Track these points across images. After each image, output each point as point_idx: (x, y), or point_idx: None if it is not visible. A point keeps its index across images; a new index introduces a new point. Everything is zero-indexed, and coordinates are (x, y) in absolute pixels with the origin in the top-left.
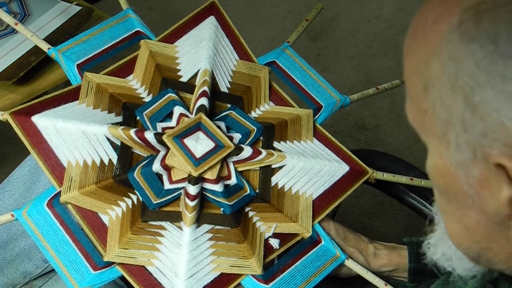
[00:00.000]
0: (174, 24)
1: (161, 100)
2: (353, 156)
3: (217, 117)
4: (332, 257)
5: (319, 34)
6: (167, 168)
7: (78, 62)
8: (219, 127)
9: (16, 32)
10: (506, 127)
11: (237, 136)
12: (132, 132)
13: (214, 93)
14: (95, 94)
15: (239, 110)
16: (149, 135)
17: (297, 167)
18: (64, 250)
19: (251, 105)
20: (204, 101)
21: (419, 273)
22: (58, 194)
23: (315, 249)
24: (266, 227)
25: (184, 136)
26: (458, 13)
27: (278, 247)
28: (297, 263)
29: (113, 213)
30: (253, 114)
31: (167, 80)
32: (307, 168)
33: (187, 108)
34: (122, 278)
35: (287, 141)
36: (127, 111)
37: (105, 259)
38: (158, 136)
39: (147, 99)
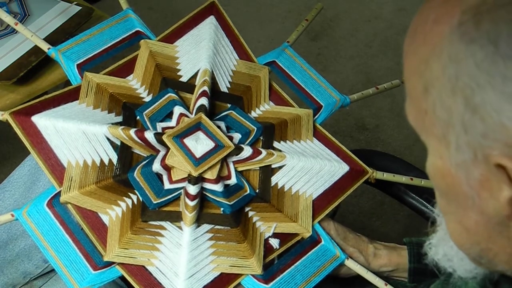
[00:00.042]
0: (174, 24)
1: (161, 100)
2: (353, 156)
3: (217, 117)
4: (332, 257)
5: (319, 34)
6: (167, 168)
7: (78, 62)
8: (219, 127)
9: (16, 32)
10: (507, 128)
11: (237, 136)
12: (132, 132)
13: (214, 93)
14: (95, 94)
15: (239, 110)
16: (149, 135)
17: (297, 167)
18: (64, 250)
19: (251, 105)
20: (204, 101)
21: (419, 273)
22: (58, 194)
23: (315, 249)
24: (266, 227)
25: (184, 136)
26: (458, 14)
27: (278, 247)
28: (297, 263)
29: (113, 213)
30: (253, 114)
31: (167, 80)
32: (307, 168)
33: (187, 108)
34: (122, 278)
35: (287, 141)
36: (127, 111)
37: (105, 259)
38: (158, 136)
39: (147, 99)
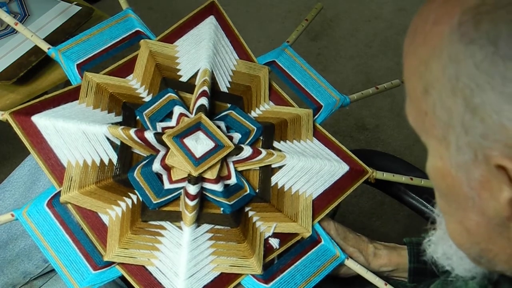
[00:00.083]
0: (174, 24)
1: (161, 100)
2: (353, 155)
3: (217, 117)
4: (332, 257)
5: (319, 34)
6: (167, 168)
7: (78, 62)
8: (219, 127)
9: (16, 32)
10: (507, 129)
11: (237, 136)
12: (132, 132)
13: (214, 93)
14: (95, 94)
15: (239, 110)
16: (149, 135)
17: (297, 166)
18: (64, 250)
19: (251, 105)
20: (204, 100)
21: (419, 273)
22: (58, 194)
23: (315, 248)
24: (266, 226)
25: (184, 136)
26: (458, 15)
27: (278, 247)
28: (297, 262)
29: (113, 213)
30: (253, 114)
31: (167, 80)
32: (307, 168)
33: (187, 108)
34: (122, 278)
35: (287, 141)
36: (127, 111)
37: (105, 259)
38: (158, 136)
39: (147, 99)
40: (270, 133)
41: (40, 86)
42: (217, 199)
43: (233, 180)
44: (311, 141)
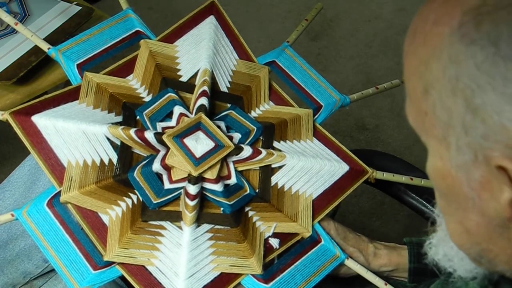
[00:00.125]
0: (174, 24)
1: (161, 100)
2: (352, 155)
3: (217, 117)
4: (332, 257)
5: (319, 34)
6: (167, 168)
7: (78, 62)
8: (219, 126)
9: (16, 32)
10: (508, 129)
11: (237, 136)
12: (132, 131)
13: (214, 92)
14: (95, 94)
15: (239, 110)
16: (149, 135)
17: (297, 166)
18: (64, 250)
19: (251, 105)
20: (204, 100)
21: (419, 273)
22: (58, 194)
23: (315, 248)
24: (266, 226)
25: (184, 136)
26: (459, 15)
27: (278, 247)
28: (297, 262)
29: (113, 212)
30: (253, 114)
31: (167, 80)
32: (307, 168)
33: (187, 108)
34: (122, 278)
35: (287, 141)
36: (127, 110)
37: (105, 258)
38: (158, 135)
39: (147, 98)
40: (270, 133)
41: (40, 86)
42: (217, 199)
43: (233, 180)
44: (311, 141)
